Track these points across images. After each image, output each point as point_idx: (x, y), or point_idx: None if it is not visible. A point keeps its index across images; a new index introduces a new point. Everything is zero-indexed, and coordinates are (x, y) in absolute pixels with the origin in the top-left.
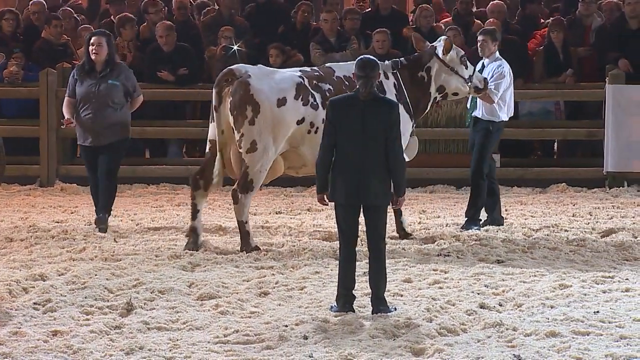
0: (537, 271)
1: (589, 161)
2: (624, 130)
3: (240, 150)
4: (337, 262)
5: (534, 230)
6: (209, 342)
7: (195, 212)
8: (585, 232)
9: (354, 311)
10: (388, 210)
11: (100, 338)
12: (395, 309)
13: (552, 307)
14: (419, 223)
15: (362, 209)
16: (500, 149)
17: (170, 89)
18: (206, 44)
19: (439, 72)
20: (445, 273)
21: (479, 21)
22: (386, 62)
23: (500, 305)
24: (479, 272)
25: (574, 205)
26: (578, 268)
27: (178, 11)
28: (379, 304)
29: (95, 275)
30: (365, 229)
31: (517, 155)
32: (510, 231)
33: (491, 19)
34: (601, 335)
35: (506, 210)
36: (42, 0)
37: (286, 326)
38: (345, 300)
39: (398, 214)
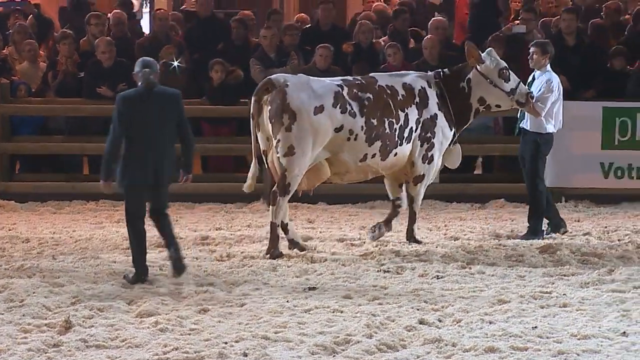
0: (476, 287)
1: None
2: (562, 145)
3: (277, 155)
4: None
5: (473, 246)
6: (148, 359)
7: (284, 227)
8: (523, 247)
9: (148, 281)
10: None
11: (38, 356)
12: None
13: (490, 322)
14: (359, 239)
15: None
16: None
17: (110, 104)
18: None
19: (478, 84)
20: (385, 289)
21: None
22: (429, 72)
23: (440, 320)
24: (419, 287)
25: (512, 220)
26: (516, 283)
27: (115, 27)
28: (182, 264)
29: (34, 292)
30: (150, 206)
31: (457, 170)
32: (449, 247)
33: (430, 35)
34: (539, 350)
35: (445, 225)
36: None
37: (226, 343)
38: (143, 273)
39: (409, 224)
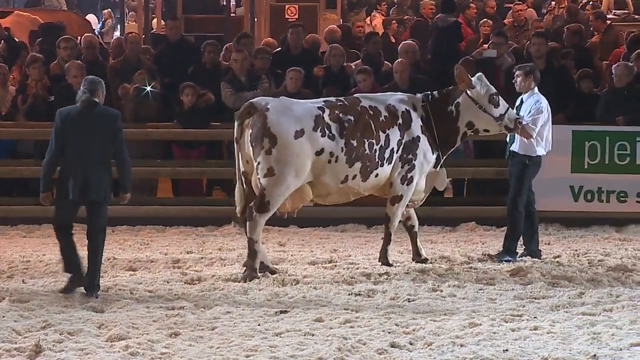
0: (447, 310)
1: (498, 200)
2: None
3: (258, 176)
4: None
5: (443, 268)
6: None
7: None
8: (494, 270)
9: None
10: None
11: None
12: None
13: (462, 345)
14: (330, 262)
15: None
16: None
17: None
18: (112, 88)
19: (467, 108)
20: (357, 312)
21: (388, 62)
22: (417, 95)
23: (411, 344)
24: (390, 310)
25: (483, 243)
26: (487, 306)
27: (86, 50)
28: (94, 290)
29: (3, 317)
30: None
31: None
32: (420, 269)
33: (401, 59)
34: None
35: None
36: None
37: None
38: (76, 275)
39: (384, 244)
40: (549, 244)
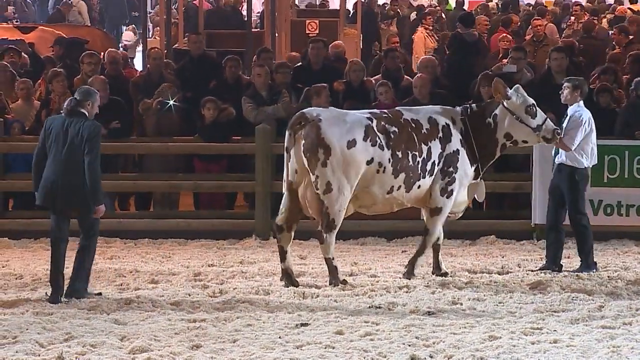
0: (467, 322)
1: (517, 213)
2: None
3: (317, 192)
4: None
5: (463, 281)
6: None
7: (283, 254)
8: (514, 283)
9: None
10: None
11: None
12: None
13: (482, 358)
14: (350, 275)
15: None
16: None
17: (103, 142)
18: (135, 102)
19: (505, 119)
20: (377, 325)
21: (408, 77)
22: (457, 108)
23: (431, 357)
24: (410, 323)
25: (503, 257)
26: (507, 319)
27: (109, 66)
28: (73, 294)
29: (27, 329)
30: None
31: None
32: (440, 282)
33: (420, 74)
34: None
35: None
36: None
37: None
38: (57, 292)
39: (417, 253)
40: (568, 257)
